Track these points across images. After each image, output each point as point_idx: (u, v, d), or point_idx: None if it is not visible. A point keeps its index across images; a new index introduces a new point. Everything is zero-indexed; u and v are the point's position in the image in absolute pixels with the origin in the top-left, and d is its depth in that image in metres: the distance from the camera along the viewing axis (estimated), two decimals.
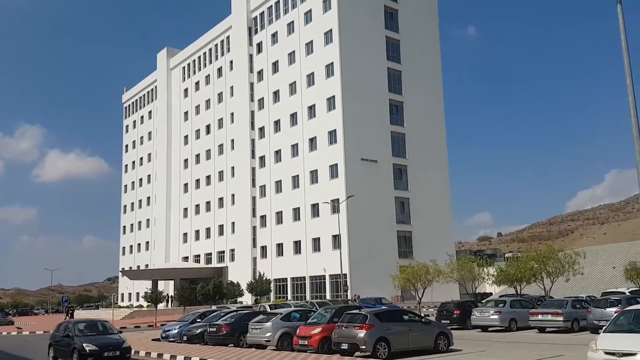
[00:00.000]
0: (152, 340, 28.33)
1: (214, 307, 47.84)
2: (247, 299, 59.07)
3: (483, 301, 32.03)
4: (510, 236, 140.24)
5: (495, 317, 25.30)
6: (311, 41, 64.36)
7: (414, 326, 17.87)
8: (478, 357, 16.75)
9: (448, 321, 26.14)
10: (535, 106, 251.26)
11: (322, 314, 20.76)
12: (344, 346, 17.37)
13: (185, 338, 25.62)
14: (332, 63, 61.08)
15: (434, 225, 62.75)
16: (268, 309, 30.87)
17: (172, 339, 26.86)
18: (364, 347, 16.79)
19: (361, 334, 16.90)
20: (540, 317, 24.14)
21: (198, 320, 27.51)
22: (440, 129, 67.82)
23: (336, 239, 58.47)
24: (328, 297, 56.10)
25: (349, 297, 48.70)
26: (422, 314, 29.23)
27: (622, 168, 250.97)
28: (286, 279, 64.27)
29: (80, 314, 67.84)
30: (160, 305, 57.04)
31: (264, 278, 57.29)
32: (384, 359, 16.72)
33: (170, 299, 65.07)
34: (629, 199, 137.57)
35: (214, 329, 23.49)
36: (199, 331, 25.17)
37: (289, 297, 61.96)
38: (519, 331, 25.44)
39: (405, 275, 36.83)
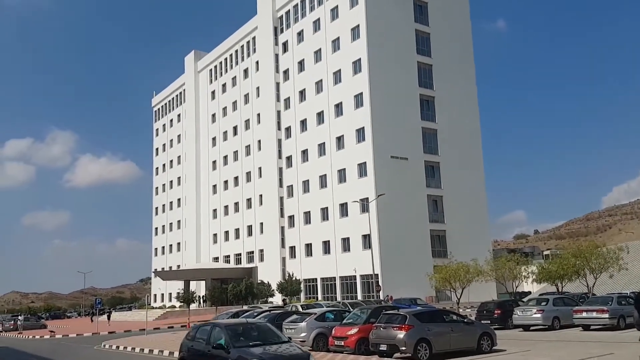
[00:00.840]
0: None
1: (245, 307, 47.72)
2: (277, 299, 58.74)
3: (524, 300, 30.93)
4: (547, 233, 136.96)
5: (538, 315, 24.31)
6: (338, 38, 63.71)
7: (455, 327, 17.11)
8: (523, 357, 15.92)
9: (488, 321, 25.20)
10: (566, 102, 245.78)
11: (357, 314, 20.15)
12: (383, 347, 16.72)
13: None
14: (360, 59, 60.30)
15: (469, 224, 61.30)
16: (300, 309, 30.40)
17: None
18: (404, 348, 16.11)
19: (401, 334, 16.22)
20: (584, 314, 23.08)
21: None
22: (474, 123, 66.36)
23: (366, 238, 57.69)
24: (359, 297, 55.39)
25: (382, 298, 47.94)
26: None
27: None
28: (316, 279, 63.74)
29: (113, 316, 68.60)
30: (193, 306, 57.16)
31: (294, 278, 56.87)
32: None
33: (202, 299, 65.43)
34: None
35: None
36: None
37: (319, 298, 61.43)
38: (563, 329, 24.41)
39: (443, 274, 35.84)
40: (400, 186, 57.45)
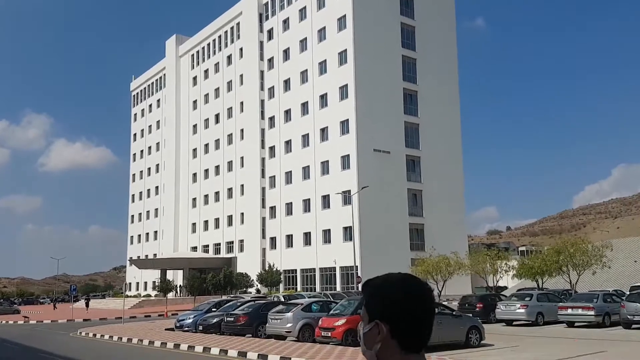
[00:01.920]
0: (166, 330, 27.56)
1: (224, 297, 47.25)
2: (252, 290, 58.33)
3: (504, 294, 31.04)
4: (521, 230, 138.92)
5: (522, 310, 24.37)
6: (324, 27, 63.18)
7: (444, 319, 16.94)
8: (514, 353, 15.82)
9: (470, 315, 25.18)
10: (539, 102, 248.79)
11: (344, 305, 19.90)
12: None
13: (200, 328, 24.85)
14: (345, 50, 59.91)
15: (446, 218, 61.64)
16: (283, 300, 30.10)
17: (186, 329, 26.11)
18: None
19: None
20: (570, 311, 23.18)
21: (213, 309, 26.75)
22: (455, 120, 66.49)
23: (347, 230, 57.68)
24: (338, 289, 55.28)
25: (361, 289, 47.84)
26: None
27: (630, 162, 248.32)
28: (295, 270, 63.48)
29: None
30: (170, 295, 56.43)
31: (275, 269, 56.54)
32: None
33: (179, 289, 64.66)
34: None
35: (232, 319, 22.69)
36: (215, 321, 24.40)
37: (299, 289, 61.20)
38: (546, 325, 24.52)
39: (425, 267, 35.85)
40: (382, 179, 57.38)
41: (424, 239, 60.73)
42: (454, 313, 17.59)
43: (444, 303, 19.40)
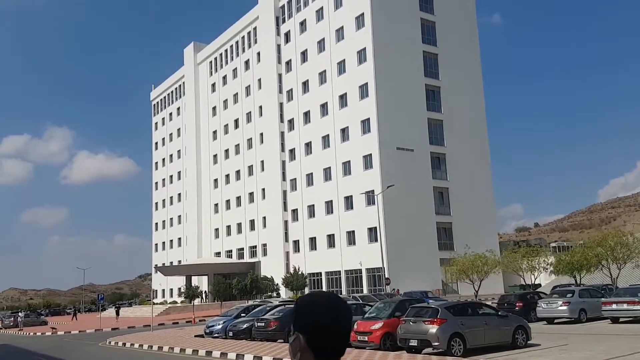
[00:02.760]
0: (195, 336, 27.09)
1: (250, 302, 46.73)
2: (280, 294, 57.76)
3: (542, 291, 29.89)
4: (550, 226, 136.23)
5: (564, 308, 23.33)
6: (342, 27, 62.51)
7: (490, 320, 16.12)
8: (565, 353, 14.88)
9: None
10: (560, 96, 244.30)
11: (380, 308, 19.16)
12: (413, 342, 15.70)
13: (230, 334, 24.31)
14: (365, 48, 59.15)
15: (475, 216, 60.32)
16: None
17: (216, 335, 25.59)
18: (437, 343, 15.09)
19: (433, 329, 15.21)
20: (614, 306, 22.07)
21: (242, 315, 26.18)
22: (480, 114, 65.22)
23: (372, 231, 56.79)
24: (365, 291, 54.49)
25: (388, 291, 47.03)
26: None
27: None
28: (320, 273, 62.80)
29: (114, 312, 67.54)
30: (195, 301, 56.18)
31: (300, 273, 55.89)
32: (459, 356, 14.99)
33: (204, 295, 64.42)
34: None
35: (262, 324, 22.09)
36: (245, 326, 23.84)
37: None
38: (589, 322, 23.45)
39: (461, 266, 34.83)
40: (406, 178, 56.31)
41: (453, 237, 59.55)
42: (499, 313, 16.71)
43: (487, 303, 18.50)
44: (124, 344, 26.74)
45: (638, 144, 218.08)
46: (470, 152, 62.29)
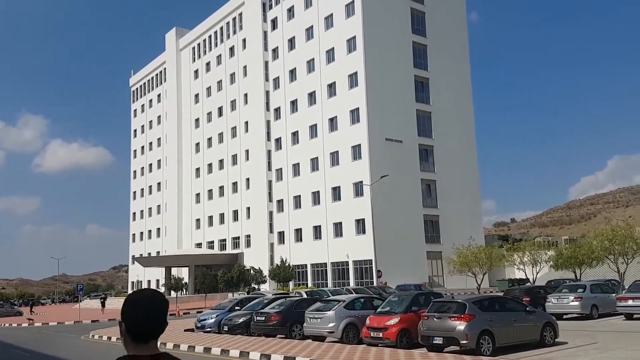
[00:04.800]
0: (185, 330, 25.61)
1: (240, 295, 45.19)
2: (264, 286, 56.38)
3: (543, 286, 29.06)
4: (529, 221, 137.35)
5: (576, 303, 22.48)
6: (331, 14, 61.01)
7: (518, 316, 15.04)
8: (602, 352, 13.86)
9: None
10: (533, 95, 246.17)
11: (394, 301, 17.95)
12: (438, 340, 14.53)
13: (225, 328, 22.86)
14: (354, 37, 57.81)
15: (461, 209, 59.81)
16: (305, 296, 28.16)
17: (208, 329, 24.13)
18: (465, 341, 13.93)
19: (461, 326, 14.05)
20: (630, 302, 21.27)
21: (237, 308, 24.76)
22: (468, 107, 64.55)
23: (360, 223, 55.81)
24: (352, 283, 53.45)
25: (379, 283, 46.08)
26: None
27: (624, 154, 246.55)
28: (306, 265, 61.55)
29: (90, 304, 65.32)
30: (174, 293, 54.45)
31: (287, 264, 54.60)
32: (488, 355, 13.87)
33: (185, 287, 62.61)
34: None
35: (262, 318, 20.72)
36: (241, 320, 22.43)
37: (309, 284, 59.32)
38: (601, 318, 22.66)
39: (464, 258, 33.92)
40: (394, 170, 55.18)
41: (439, 230, 59.04)
42: (527, 309, 15.64)
43: (514, 298, 17.44)
44: (109, 338, 25.10)
45: (610, 143, 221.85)
46: (458, 145, 61.60)
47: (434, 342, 14.59)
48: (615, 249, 29.76)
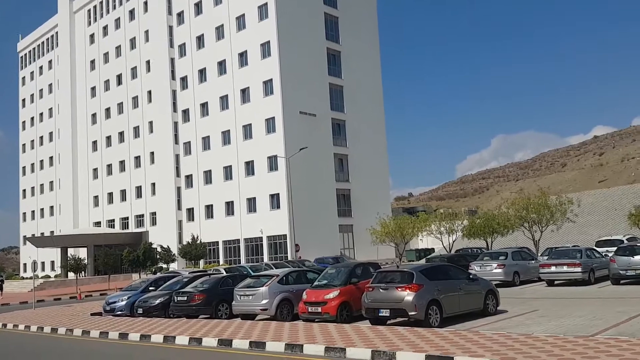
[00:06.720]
0: (92, 314, 23.13)
1: (143, 275, 42.48)
2: (174, 265, 53.75)
3: (461, 253, 29.44)
4: (427, 195, 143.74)
5: (499, 270, 22.74)
6: None
7: (462, 285, 14.50)
8: (551, 321, 13.59)
9: None
10: (423, 69, 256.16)
11: (331, 274, 16.89)
12: (384, 312, 13.65)
13: (140, 311, 20.78)
14: (266, 4, 55.72)
15: (371, 184, 60.29)
16: (225, 273, 26.51)
17: (119, 312, 21.89)
18: (413, 312, 13.14)
19: (409, 296, 13.23)
20: (553, 268, 21.79)
21: (151, 288, 22.68)
22: (377, 81, 64.70)
23: (274, 198, 54.57)
24: (266, 259, 52.25)
25: (294, 258, 45.31)
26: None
27: (507, 133, 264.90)
28: (217, 242, 59.41)
29: None
30: (71, 275, 50.34)
31: (198, 242, 52.19)
32: (436, 326, 13.20)
33: (85, 268, 58.35)
34: (536, 157, 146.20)
35: (184, 298, 18.92)
36: (158, 302, 20.46)
37: (221, 262, 57.43)
38: (523, 285, 23.13)
39: (387, 229, 33.68)
40: (308, 144, 54.09)
41: (351, 204, 59.18)
42: (470, 276, 15.16)
43: (455, 265, 16.92)
44: (4, 325, 22.14)
45: (494, 121, 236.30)
46: (368, 120, 61.77)
47: (380, 314, 13.71)
48: (530, 217, 30.89)
